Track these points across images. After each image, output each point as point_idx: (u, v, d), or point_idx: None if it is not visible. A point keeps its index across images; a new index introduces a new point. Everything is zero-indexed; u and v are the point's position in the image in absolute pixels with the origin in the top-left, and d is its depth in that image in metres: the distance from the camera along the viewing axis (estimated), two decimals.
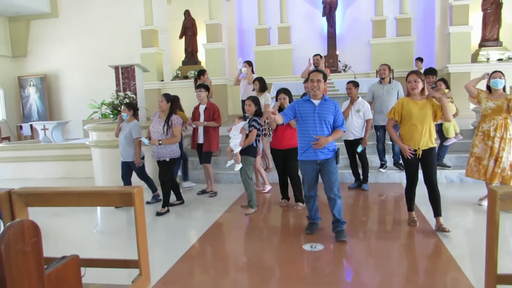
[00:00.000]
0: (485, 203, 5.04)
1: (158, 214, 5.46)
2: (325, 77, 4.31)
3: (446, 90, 6.34)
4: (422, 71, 9.17)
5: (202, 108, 6.22)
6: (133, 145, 5.72)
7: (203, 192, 6.44)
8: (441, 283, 3.29)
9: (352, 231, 4.43)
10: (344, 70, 11.21)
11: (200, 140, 6.24)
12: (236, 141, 5.27)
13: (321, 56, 7.63)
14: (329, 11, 11.68)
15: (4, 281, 1.82)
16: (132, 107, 5.95)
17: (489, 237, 2.64)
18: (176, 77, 11.83)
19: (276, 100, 5.44)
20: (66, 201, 3.29)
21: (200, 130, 6.24)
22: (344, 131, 4.42)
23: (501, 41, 10.41)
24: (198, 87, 6.27)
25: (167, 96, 5.58)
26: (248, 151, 5.34)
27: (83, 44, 13.46)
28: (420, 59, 9.86)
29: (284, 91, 5.48)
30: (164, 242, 4.54)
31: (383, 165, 6.89)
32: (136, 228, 3.04)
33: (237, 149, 5.25)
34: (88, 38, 13.42)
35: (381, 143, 6.78)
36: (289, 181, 5.64)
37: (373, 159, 6.98)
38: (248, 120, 5.44)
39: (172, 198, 5.84)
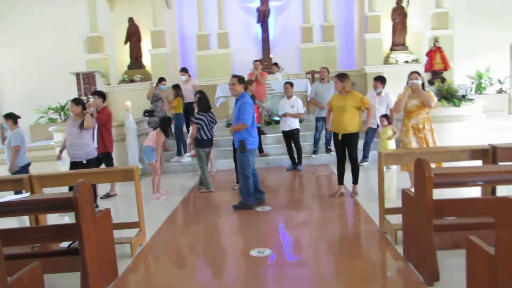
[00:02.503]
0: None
1: None
2: (240, 81, 5.46)
3: (389, 128, 7.01)
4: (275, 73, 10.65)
5: None
6: (17, 151, 6.03)
7: (107, 196, 6.69)
8: (350, 218, 4.72)
9: (291, 198, 5.76)
10: (278, 71, 12.61)
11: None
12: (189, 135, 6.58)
13: (260, 62, 8.89)
14: (263, 19, 13.00)
15: (79, 218, 2.85)
16: (11, 117, 6.20)
17: (379, 183, 4.05)
18: (122, 81, 12.55)
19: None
20: (73, 181, 4.23)
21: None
22: (247, 124, 5.28)
23: (407, 46, 12.30)
24: (92, 94, 6.69)
25: (77, 101, 5.89)
26: (197, 143, 6.50)
27: (24, 51, 13.68)
28: (275, 64, 11.25)
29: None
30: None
31: (315, 151, 8.28)
32: (136, 197, 4.10)
33: (188, 141, 6.70)
34: (29, 45, 13.62)
35: (319, 132, 8.14)
36: None
37: (305, 146, 8.35)
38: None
39: None
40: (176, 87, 8.36)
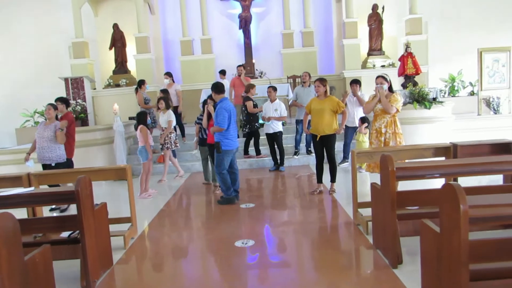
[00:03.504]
0: None
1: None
2: (214, 89, 5.97)
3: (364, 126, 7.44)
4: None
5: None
6: None
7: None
8: (327, 213, 5.13)
9: (273, 196, 6.13)
10: (260, 76, 13.03)
11: None
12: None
13: (243, 67, 9.27)
14: (245, 25, 13.40)
15: (80, 209, 3.16)
16: None
17: (352, 180, 4.45)
18: (108, 85, 12.78)
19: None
20: (70, 179, 4.54)
21: None
22: (222, 127, 5.71)
23: (384, 51, 12.83)
24: (55, 100, 6.60)
25: (54, 106, 6.12)
26: (199, 142, 7.05)
27: (9, 54, 13.77)
28: (222, 72, 10.85)
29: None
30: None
31: (296, 153, 8.67)
32: (128, 194, 4.42)
33: (195, 139, 7.26)
34: (14, 49, 13.72)
35: (299, 134, 8.52)
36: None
37: (287, 148, 8.73)
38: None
39: None
40: (165, 92, 8.65)
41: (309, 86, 8.47)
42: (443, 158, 4.77)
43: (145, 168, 6.66)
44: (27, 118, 12.50)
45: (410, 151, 4.73)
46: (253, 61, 13.28)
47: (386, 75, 5.62)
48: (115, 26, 12.98)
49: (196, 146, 7.36)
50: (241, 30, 13.48)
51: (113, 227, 4.51)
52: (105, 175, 4.49)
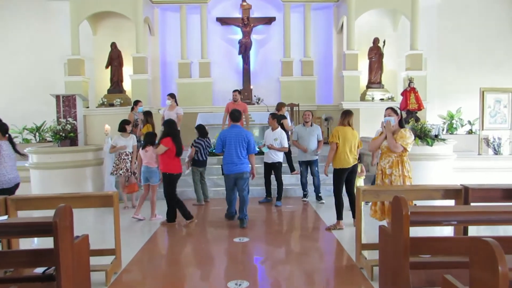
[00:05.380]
0: None
1: None
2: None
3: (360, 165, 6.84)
4: None
5: None
6: None
7: None
8: (328, 253, 4.77)
9: (270, 230, 5.76)
10: (258, 102, 12.83)
11: None
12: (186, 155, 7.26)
13: (239, 92, 9.00)
14: (245, 50, 13.31)
15: (57, 243, 2.80)
16: None
17: (356, 219, 4.13)
18: (102, 105, 12.45)
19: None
20: (52, 205, 4.15)
21: None
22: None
23: (383, 84, 12.73)
24: None
25: None
26: (193, 163, 7.43)
27: (1, 69, 13.51)
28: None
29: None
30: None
31: (305, 195, 7.83)
32: (114, 224, 4.06)
33: (186, 160, 7.39)
34: (6, 63, 13.45)
35: (304, 177, 7.68)
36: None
37: (285, 177, 8.31)
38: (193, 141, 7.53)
39: None
40: (147, 114, 8.35)
41: (311, 125, 7.67)
42: (452, 201, 4.48)
43: (155, 190, 6.57)
44: (15, 134, 12.11)
45: (419, 192, 4.44)
46: (251, 87, 13.13)
47: (397, 108, 5.01)
48: (113, 45, 12.77)
49: (188, 166, 7.44)
50: (240, 56, 13.38)
51: (95, 260, 4.13)
52: (89, 202, 4.13)
